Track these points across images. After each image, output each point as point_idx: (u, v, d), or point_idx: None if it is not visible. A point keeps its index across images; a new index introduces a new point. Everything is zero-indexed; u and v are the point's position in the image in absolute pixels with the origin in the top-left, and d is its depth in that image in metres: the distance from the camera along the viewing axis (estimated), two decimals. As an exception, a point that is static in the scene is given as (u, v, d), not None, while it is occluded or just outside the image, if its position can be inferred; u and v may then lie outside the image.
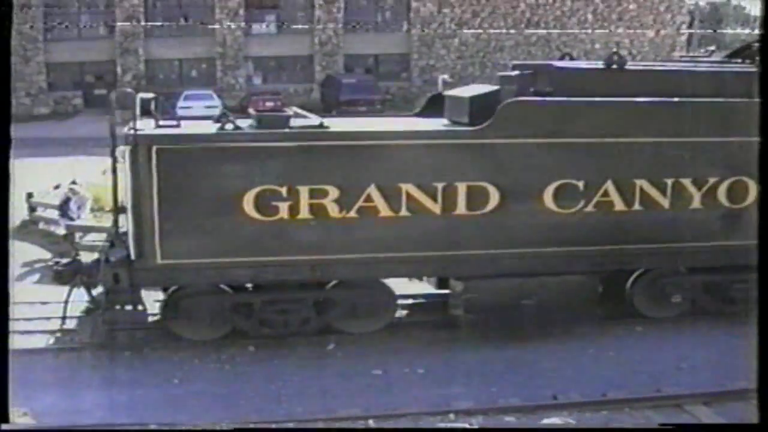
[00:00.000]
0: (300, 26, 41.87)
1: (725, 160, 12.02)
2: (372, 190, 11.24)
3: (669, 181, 11.93)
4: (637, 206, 11.89)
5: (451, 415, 9.78)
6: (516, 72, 12.61)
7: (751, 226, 11.55)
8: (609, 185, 11.79)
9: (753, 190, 11.76)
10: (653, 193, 11.94)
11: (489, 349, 11.67)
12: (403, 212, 11.35)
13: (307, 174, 11.12)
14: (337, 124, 12.15)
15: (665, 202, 11.97)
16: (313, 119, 11.90)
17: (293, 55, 42.92)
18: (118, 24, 41.25)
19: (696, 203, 12.04)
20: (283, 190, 11.02)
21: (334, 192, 11.15)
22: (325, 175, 11.16)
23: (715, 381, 10.48)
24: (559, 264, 11.85)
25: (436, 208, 11.42)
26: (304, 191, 11.10)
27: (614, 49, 14.09)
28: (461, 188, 11.45)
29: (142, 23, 41.11)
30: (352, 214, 11.23)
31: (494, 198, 11.50)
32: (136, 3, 41.37)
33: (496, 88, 12.55)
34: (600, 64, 12.35)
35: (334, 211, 11.20)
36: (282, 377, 10.87)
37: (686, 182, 11.99)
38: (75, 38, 41.41)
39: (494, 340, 11.84)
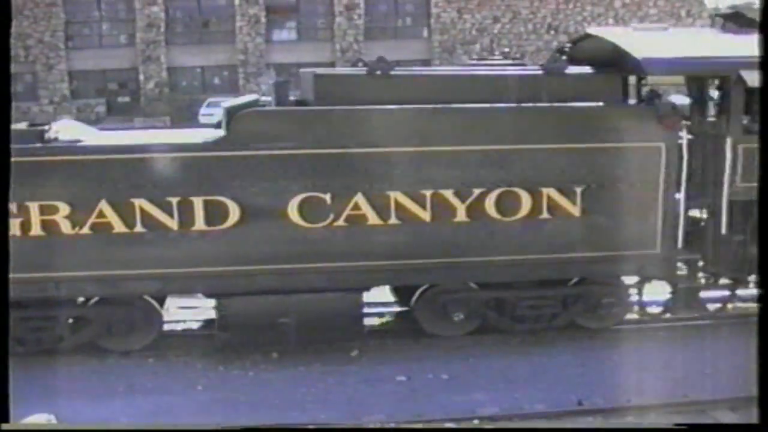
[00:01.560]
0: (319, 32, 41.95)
1: (494, 170, 11.37)
2: (103, 206, 10.77)
3: (428, 193, 11.25)
4: (393, 220, 11.22)
5: (476, 421, 9.75)
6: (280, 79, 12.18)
7: (538, 239, 11.58)
8: (359, 198, 11.14)
9: (526, 201, 11.38)
10: (410, 205, 11.25)
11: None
12: (138, 228, 10.86)
13: (36, 190, 10.67)
14: (105, 137, 11.81)
15: (426, 215, 11.27)
16: (80, 132, 11.55)
17: (315, 62, 42.97)
18: (139, 33, 41.46)
19: (461, 216, 11.35)
20: (14, 207, 10.49)
21: (65, 209, 10.72)
22: (54, 192, 10.73)
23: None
24: (317, 280, 11.27)
25: (173, 224, 10.92)
26: (34, 207, 10.67)
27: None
28: (197, 203, 10.91)
29: (162, 30, 41.27)
30: (86, 230, 10.77)
31: (234, 213, 10.95)
32: (156, 11, 41.57)
33: (255, 97, 12.19)
34: (363, 70, 11.62)
35: (66, 227, 10.75)
36: (306, 384, 10.89)
37: (447, 194, 11.29)
38: (97, 46, 41.66)
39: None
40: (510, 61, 13.47)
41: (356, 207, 11.16)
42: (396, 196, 11.22)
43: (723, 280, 13.22)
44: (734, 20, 14.52)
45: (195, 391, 10.70)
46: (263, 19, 42.20)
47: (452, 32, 43.84)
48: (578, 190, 11.56)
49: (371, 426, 9.87)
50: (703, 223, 12.69)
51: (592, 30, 13.83)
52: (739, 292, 13.38)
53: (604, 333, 12.44)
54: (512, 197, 11.41)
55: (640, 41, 12.65)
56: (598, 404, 10.17)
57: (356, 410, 10.14)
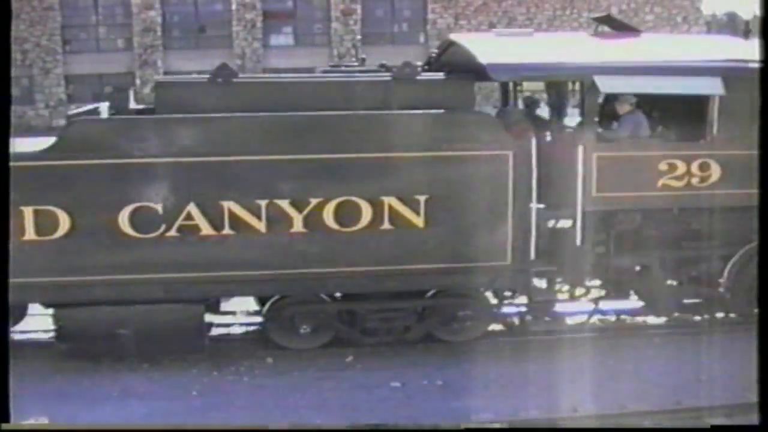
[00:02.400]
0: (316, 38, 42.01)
1: (332, 179, 11.17)
2: None
3: (263, 203, 11.01)
4: (227, 230, 10.98)
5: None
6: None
7: (381, 250, 11.30)
8: (191, 208, 10.89)
9: (366, 211, 11.16)
10: (244, 215, 11.00)
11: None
12: None
13: None
14: None
15: (261, 225, 11.04)
16: None
17: (312, 66, 43.09)
18: (136, 37, 41.50)
19: (299, 226, 11.11)
20: None
21: None
22: None
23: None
24: (153, 291, 11.00)
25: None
26: None
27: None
28: (28, 213, 10.60)
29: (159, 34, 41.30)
30: None
31: (64, 223, 10.68)
32: (153, 15, 41.60)
33: (96, 105, 12.03)
34: (205, 78, 11.41)
35: None
36: (301, 389, 10.89)
37: (284, 204, 11.06)
38: (94, 50, 41.69)
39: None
40: (366, 68, 13.18)
41: (188, 217, 10.90)
42: (229, 205, 10.97)
43: (591, 293, 13.04)
44: (608, 24, 14.40)
45: (190, 396, 10.73)
46: (260, 24, 42.24)
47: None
48: (421, 199, 11.27)
49: (371, 426, 9.94)
50: (561, 235, 12.39)
51: (454, 36, 13.62)
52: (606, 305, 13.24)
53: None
54: (352, 207, 11.16)
55: (494, 46, 12.45)
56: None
57: (351, 415, 10.16)
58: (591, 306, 13.12)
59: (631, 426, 10.25)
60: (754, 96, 11.85)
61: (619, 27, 13.97)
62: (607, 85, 11.82)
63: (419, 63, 12.85)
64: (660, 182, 12.11)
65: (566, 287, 12.94)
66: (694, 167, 12.15)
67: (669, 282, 13.02)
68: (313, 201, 11.10)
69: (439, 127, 11.36)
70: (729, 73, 12.05)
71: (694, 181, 12.19)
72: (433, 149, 11.29)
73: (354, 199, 11.15)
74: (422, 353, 12.06)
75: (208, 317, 11.87)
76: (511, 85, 13.68)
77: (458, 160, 11.36)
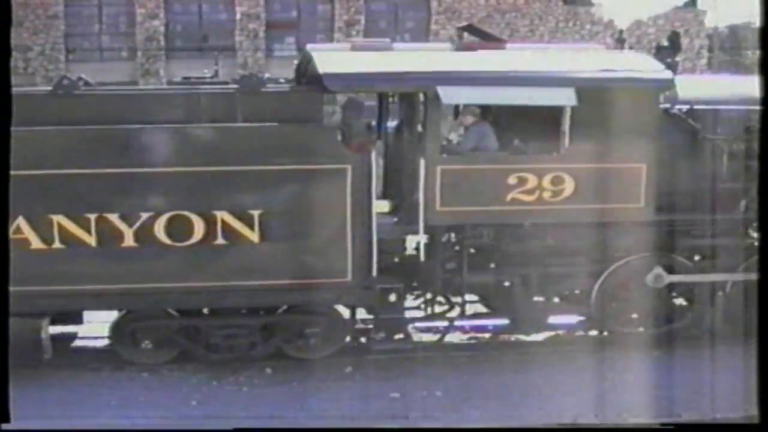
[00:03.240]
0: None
1: (163, 193, 11.10)
2: None
3: (92, 217, 10.87)
4: (57, 244, 10.86)
5: None
6: None
7: (218, 266, 11.18)
8: (20, 221, 10.73)
9: (199, 225, 11.06)
10: (74, 229, 10.91)
11: None
12: None
13: None
14: None
15: (91, 240, 10.91)
16: None
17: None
18: (139, 46, 41.55)
19: (129, 241, 10.99)
20: None
21: None
22: None
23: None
24: None
25: None
26: None
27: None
28: None
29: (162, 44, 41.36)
30: None
31: None
32: (156, 24, 41.66)
33: None
34: (48, 89, 11.31)
35: None
36: (300, 400, 10.89)
37: (113, 218, 10.94)
38: (97, 59, 41.71)
39: None
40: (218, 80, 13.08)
41: (18, 231, 10.76)
42: (59, 219, 10.88)
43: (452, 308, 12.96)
44: (474, 34, 14.20)
45: (189, 406, 10.73)
46: (263, 34, 42.27)
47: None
48: (256, 214, 11.19)
49: (371, 426, 9.96)
50: (409, 250, 12.19)
51: (309, 47, 13.49)
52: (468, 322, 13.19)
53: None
54: (184, 221, 11.07)
55: (340, 57, 12.27)
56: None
57: (350, 425, 10.16)
58: (465, 322, 13.08)
59: (630, 426, 10.29)
60: (610, 108, 11.76)
61: (484, 37, 13.72)
62: (449, 95, 11.52)
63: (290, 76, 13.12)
64: (509, 196, 11.81)
65: (423, 303, 12.76)
66: (546, 181, 11.88)
67: (536, 299, 12.74)
68: (144, 215, 10.99)
69: (273, 141, 11.23)
70: (582, 84, 11.78)
71: (546, 195, 11.91)
72: (266, 163, 11.15)
73: (185, 213, 11.04)
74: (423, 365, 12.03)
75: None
76: (395, 97, 13.47)
77: (294, 174, 11.23)
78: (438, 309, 12.97)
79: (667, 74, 12.41)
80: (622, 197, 12.17)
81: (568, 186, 11.94)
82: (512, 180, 11.79)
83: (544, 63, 12.63)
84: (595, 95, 11.68)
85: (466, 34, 14.57)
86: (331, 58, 12.07)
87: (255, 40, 42.17)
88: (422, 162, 11.58)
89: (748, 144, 12.55)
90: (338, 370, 11.78)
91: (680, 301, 13.21)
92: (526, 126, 12.66)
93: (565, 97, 11.71)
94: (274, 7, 42.64)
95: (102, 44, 42.25)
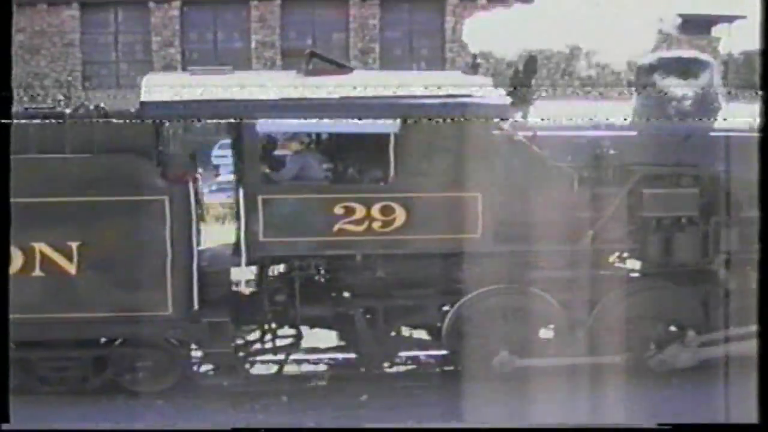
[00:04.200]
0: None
1: None
2: None
3: None
4: None
5: None
6: None
7: (39, 298, 10.93)
8: None
9: (17, 257, 10.79)
10: None
11: None
12: None
13: None
14: None
15: None
16: None
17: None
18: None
19: None
20: None
21: None
22: None
23: None
24: None
25: None
26: None
27: None
28: None
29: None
30: None
31: None
32: (172, 52, 41.85)
33: None
34: None
35: None
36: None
37: None
38: (114, 86, 41.92)
39: None
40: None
41: None
42: None
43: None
44: (320, 59, 13.87)
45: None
46: (279, 62, 42.43)
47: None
48: (74, 246, 11.01)
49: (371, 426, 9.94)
50: (234, 283, 12.03)
51: (149, 75, 13.21)
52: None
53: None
54: None
55: (168, 84, 12.00)
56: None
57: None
58: (302, 356, 12.84)
59: (631, 426, 10.24)
60: (440, 134, 11.56)
61: (332, 63, 13.41)
62: (266, 124, 11.40)
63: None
64: (336, 227, 11.58)
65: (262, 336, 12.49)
66: (376, 211, 11.59)
67: (385, 332, 12.46)
68: None
69: (87, 171, 11.06)
70: (408, 111, 11.54)
71: (376, 225, 11.62)
72: (82, 194, 10.99)
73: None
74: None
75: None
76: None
77: (110, 205, 11.09)
78: (282, 342, 12.68)
79: (503, 99, 12.08)
80: (457, 227, 11.82)
81: (399, 216, 11.63)
82: (339, 210, 11.54)
83: (375, 89, 12.18)
84: (422, 121, 11.40)
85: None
86: (159, 87, 11.83)
87: (273, 68, 42.31)
88: (242, 191, 11.49)
89: (598, 171, 12.38)
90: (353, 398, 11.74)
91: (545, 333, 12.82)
92: (361, 154, 12.37)
93: (388, 125, 11.47)
94: (290, 35, 42.85)
95: (119, 72, 42.47)
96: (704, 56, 14.07)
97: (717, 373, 12.06)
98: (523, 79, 13.55)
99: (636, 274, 13.21)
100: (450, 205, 11.81)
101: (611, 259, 13.04)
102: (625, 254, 13.11)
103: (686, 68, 13.36)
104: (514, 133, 12.21)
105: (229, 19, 43.03)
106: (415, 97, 11.84)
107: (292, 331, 12.56)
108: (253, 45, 42.43)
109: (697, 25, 44.53)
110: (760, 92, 9.55)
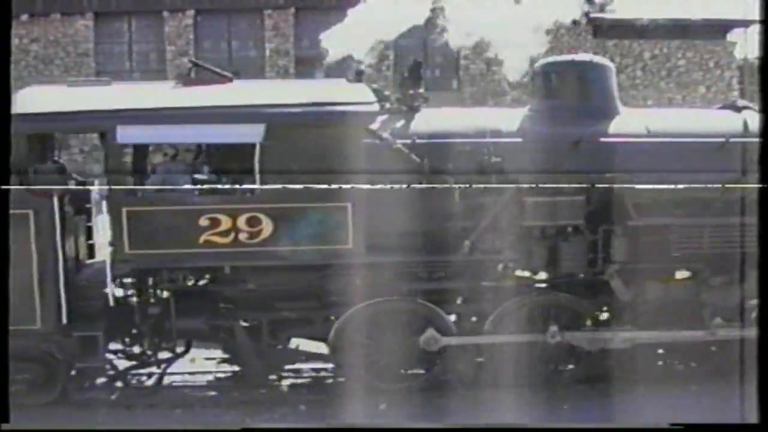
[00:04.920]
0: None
1: None
2: None
3: None
4: None
5: None
6: None
7: None
8: None
9: None
10: None
11: None
12: None
13: None
14: None
15: None
16: None
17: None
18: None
19: None
20: None
21: None
22: None
23: None
24: None
25: None
26: None
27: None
28: None
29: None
30: None
31: None
32: (186, 62, 41.86)
33: None
34: None
35: None
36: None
37: None
38: (128, 96, 41.96)
39: None
40: None
41: None
42: None
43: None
44: (200, 68, 13.88)
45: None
46: (292, 70, 42.42)
47: (482, 84, 43.80)
48: None
49: (372, 426, 9.88)
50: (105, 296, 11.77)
51: (29, 88, 12.94)
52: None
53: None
54: None
55: (38, 97, 11.97)
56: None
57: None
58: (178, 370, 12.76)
59: (630, 426, 10.22)
60: (308, 143, 11.43)
61: (211, 72, 13.35)
62: (127, 134, 11.21)
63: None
64: (202, 238, 11.42)
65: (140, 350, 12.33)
66: (242, 222, 11.45)
67: (268, 345, 12.33)
68: None
69: None
70: (274, 120, 11.39)
71: (243, 237, 11.45)
72: None
73: None
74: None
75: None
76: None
77: None
78: (163, 355, 12.62)
79: (371, 107, 11.96)
80: (328, 238, 11.68)
81: (266, 227, 11.48)
82: (204, 221, 11.41)
83: (242, 98, 12.11)
84: (287, 131, 11.31)
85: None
86: (33, 100, 11.72)
87: (285, 76, 42.31)
88: (105, 204, 11.41)
89: (480, 179, 12.13)
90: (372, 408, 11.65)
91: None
92: (228, 164, 12.24)
93: (253, 134, 11.33)
94: (303, 44, 42.79)
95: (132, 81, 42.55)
96: (600, 59, 13.73)
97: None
98: (409, 85, 13.25)
99: (525, 285, 12.99)
100: (319, 216, 11.63)
101: (500, 268, 12.72)
102: (510, 264, 12.73)
103: (580, 72, 12.95)
104: (392, 141, 11.95)
105: (243, 27, 43.03)
106: (277, 105, 11.73)
107: (171, 344, 12.43)
108: (267, 53, 42.41)
109: (712, 30, 44.49)
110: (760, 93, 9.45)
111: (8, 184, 7.83)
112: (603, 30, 44.59)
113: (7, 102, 7.81)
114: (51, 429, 10.18)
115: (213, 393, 12.69)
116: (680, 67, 45.61)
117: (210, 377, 13.17)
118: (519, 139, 12.58)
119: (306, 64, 43.20)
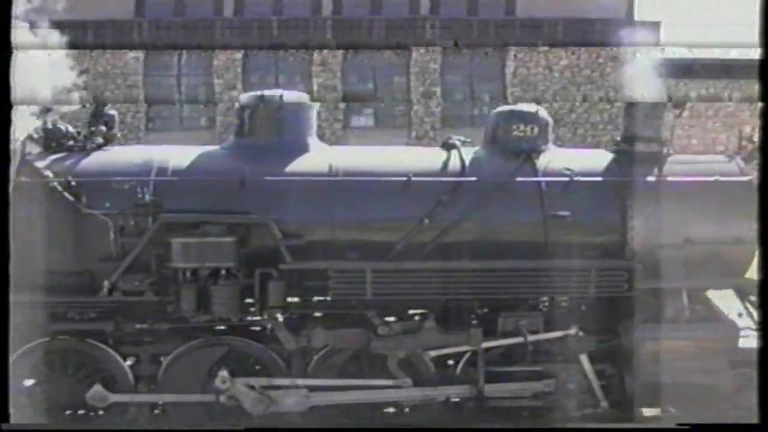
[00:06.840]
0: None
1: None
2: None
3: None
4: None
5: None
6: None
7: None
8: None
9: None
10: None
11: None
12: None
13: None
14: None
15: None
16: None
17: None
18: (219, 116, 42.15)
19: None
20: None
21: None
22: None
23: None
24: None
25: None
26: None
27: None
28: None
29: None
30: None
31: None
32: (235, 95, 42.17)
33: None
34: None
35: None
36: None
37: None
38: (177, 128, 42.34)
39: None
40: None
41: None
42: None
43: None
44: None
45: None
46: (341, 105, 42.66)
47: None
48: None
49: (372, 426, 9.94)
50: None
51: None
52: None
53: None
54: None
55: None
56: None
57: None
58: None
59: (630, 426, 10.28)
60: None
61: None
62: None
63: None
64: None
65: None
66: None
67: None
68: None
69: None
70: None
71: None
72: None
73: None
74: None
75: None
76: None
77: None
78: None
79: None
80: None
81: None
82: None
83: None
84: None
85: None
86: None
87: (334, 111, 42.56)
88: None
89: (137, 219, 11.87)
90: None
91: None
92: None
93: None
94: (351, 79, 43.08)
95: (182, 114, 42.93)
96: (296, 95, 14.30)
97: None
98: (93, 124, 13.08)
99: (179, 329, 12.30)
100: None
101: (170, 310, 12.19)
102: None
103: (271, 109, 13.34)
104: (47, 179, 11.89)
105: (290, 62, 43.36)
106: None
107: None
108: (315, 88, 42.65)
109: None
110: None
111: (8, 183, 7.81)
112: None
113: (7, 102, 7.85)
114: (51, 429, 10.18)
115: None
116: (729, 106, 45.44)
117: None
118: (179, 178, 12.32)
119: (354, 100, 43.48)
